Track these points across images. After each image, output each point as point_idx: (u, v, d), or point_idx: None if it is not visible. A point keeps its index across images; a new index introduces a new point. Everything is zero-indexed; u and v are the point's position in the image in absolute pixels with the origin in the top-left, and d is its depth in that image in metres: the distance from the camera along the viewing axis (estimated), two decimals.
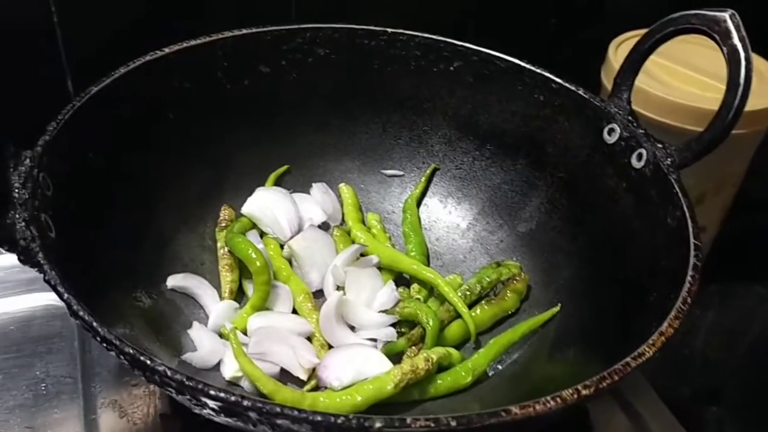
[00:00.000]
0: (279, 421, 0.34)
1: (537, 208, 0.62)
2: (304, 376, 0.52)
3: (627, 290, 0.50)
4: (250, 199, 0.62)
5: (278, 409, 0.34)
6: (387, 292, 0.57)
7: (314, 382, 0.51)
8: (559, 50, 0.84)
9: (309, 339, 0.54)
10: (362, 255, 0.60)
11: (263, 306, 0.56)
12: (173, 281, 0.56)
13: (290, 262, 0.60)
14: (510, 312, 0.58)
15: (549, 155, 0.61)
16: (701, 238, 0.47)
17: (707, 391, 0.68)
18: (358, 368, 0.50)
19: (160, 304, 0.55)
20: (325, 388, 0.50)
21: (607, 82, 0.68)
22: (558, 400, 0.36)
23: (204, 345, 0.52)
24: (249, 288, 0.58)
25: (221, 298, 0.57)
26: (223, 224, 0.61)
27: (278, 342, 0.52)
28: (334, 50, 0.64)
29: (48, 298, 0.60)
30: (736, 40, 0.49)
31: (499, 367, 0.54)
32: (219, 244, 0.60)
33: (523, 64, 0.61)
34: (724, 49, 0.49)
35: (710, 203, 0.69)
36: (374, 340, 0.55)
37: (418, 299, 0.57)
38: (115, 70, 0.55)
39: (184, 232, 0.60)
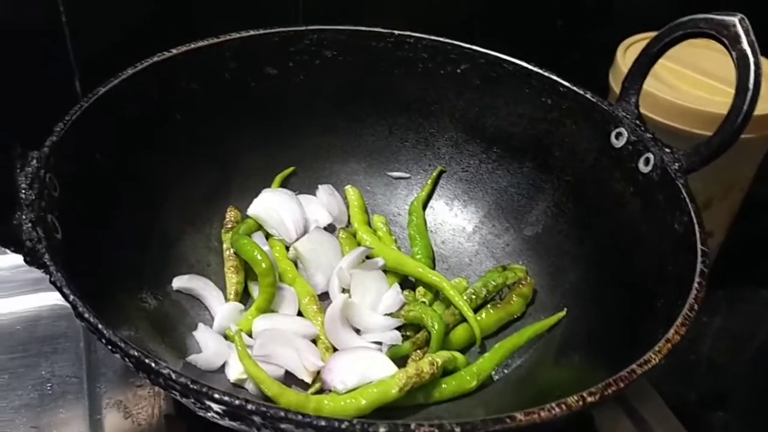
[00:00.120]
0: (283, 426, 0.34)
1: (543, 212, 0.62)
2: (308, 379, 0.51)
3: (634, 295, 0.50)
4: (255, 201, 0.62)
5: (282, 414, 0.34)
6: (392, 295, 0.57)
7: (319, 385, 0.51)
8: (567, 52, 0.84)
9: (314, 341, 0.54)
10: (368, 257, 0.60)
11: (268, 308, 0.56)
12: (179, 282, 0.56)
13: (296, 264, 0.60)
14: (516, 316, 0.58)
15: (556, 159, 0.61)
16: (708, 243, 0.47)
17: (713, 396, 0.67)
18: (363, 371, 0.50)
19: (165, 305, 0.55)
20: (330, 391, 0.50)
21: (615, 85, 0.67)
22: (563, 406, 0.36)
23: (209, 347, 0.52)
24: (254, 290, 0.58)
25: (226, 299, 0.57)
26: (229, 225, 0.61)
27: (283, 344, 0.52)
28: (342, 52, 0.64)
29: (54, 298, 0.60)
30: (745, 45, 0.48)
31: (505, 371, 0.54)
32: (225, 246, 0.60)
33: (530, 67, 0.61)
34: (733, 53, 0.49)
35: (718, 208, 0.69)
36: (379, 343, 0.54)
37: (424, 302, 0.57)
38: (123, 70, 0.55)
39: (190, 233, 0.60)
